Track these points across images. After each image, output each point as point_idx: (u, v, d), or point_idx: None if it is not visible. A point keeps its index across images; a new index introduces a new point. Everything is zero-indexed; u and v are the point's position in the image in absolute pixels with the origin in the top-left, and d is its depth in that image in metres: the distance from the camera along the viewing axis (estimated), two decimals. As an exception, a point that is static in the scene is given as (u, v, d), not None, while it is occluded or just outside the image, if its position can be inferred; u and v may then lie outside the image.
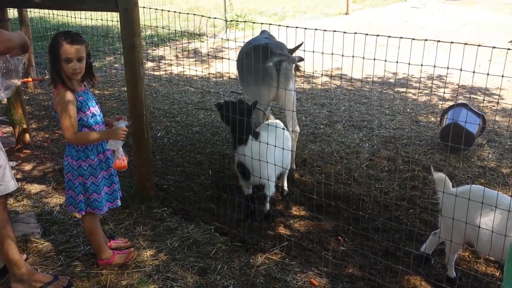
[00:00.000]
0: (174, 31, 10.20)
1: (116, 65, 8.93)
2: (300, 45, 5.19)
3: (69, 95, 2.77)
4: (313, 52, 3.53)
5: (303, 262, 3.32)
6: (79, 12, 6.89)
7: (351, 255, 3.46)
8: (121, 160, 2.89)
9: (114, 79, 8.05)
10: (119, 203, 3.16)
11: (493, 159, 4.97)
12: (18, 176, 4.46)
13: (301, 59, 5.79)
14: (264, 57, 4.31)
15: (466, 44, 2.53)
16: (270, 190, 3.85)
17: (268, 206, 3.92)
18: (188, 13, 5.95)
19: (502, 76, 2.50)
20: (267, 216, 3.87)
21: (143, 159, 3.89)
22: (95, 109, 2.95)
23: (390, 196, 4.21)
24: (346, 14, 14.62)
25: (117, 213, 3.80)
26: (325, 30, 3.16)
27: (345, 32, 3.04)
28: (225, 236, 3.60)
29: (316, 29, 3.43)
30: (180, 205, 4.02)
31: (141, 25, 3.64)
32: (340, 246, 3.55)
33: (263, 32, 5.39)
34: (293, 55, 4.97)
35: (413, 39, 2.71)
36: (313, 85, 7.70)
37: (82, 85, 2.94)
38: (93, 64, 3.02)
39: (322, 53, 3.10)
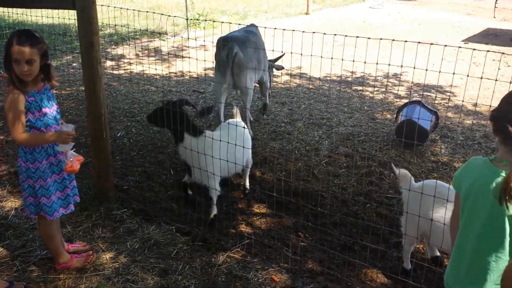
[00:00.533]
0: (134, 30, 10.07)
1: (74, 64, 8.73)
2: (283, 55, 5.51)
3: (17, 95, 2.70)
4: (273, 51, 3.59)
5: (264, 259, 3.37)
6: (35, 10, 6.70)
7: (311, 250, 3.53)
8: (71, 164, 2.83)
9: (73, 79, 7.87)
10: (72, 208, 3.08)
11: (446, 154, 5.17)
12: (-30, 180, 4.31)
13: (281, 68, 6.03)
14: (222, 48, 4.78)
15: (419, 43, 2.63)
16: (212, 193, 3.81)
17: (213, 210, 3.84)
18: (148, 11, 5.89)
19: (453, 73, 2.61)
20: (212, 223, 3.77)
21: (101, 160, 3.84)
22: (50, 110, 2.88)
23: (348, 192, 4.31)
24: (306, 14, 14.80)
25: (75, 216, 3.73)
26: (284, 30, 3.21)
27: (303, 32, 3.11)
28: (186, 236, 3.60)
29: (275, 28, 3.49)
30: (140, 206, 3.98)
31: (100, 24, 3.60)
32: (300, 242, 3.62)
33: (251, 25, 5.69)
34: (277, 63, 5.27)
35: (369, 38, 2.80)
36: (274, 83, 7.77)
37: (41, 84, 2.85)
38: (51, 64, 2.93)
39: (282, 52, 3.14)
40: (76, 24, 3.61)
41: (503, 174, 1.80)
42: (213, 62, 5.52)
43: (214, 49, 5.33)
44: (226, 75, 4.90)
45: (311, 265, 3.34)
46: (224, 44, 4.93)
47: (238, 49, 4.90)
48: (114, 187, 4.08)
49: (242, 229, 3.79)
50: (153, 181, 4.46)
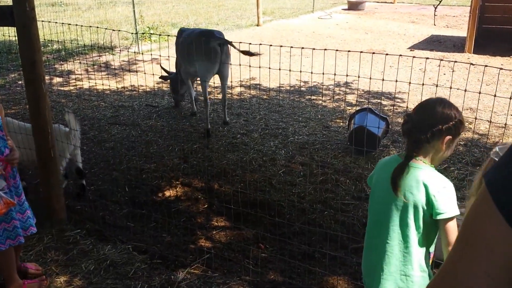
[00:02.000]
0: (82, 45, 9.82)
1: (20, 81, 8.38)
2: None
3: None
4: (230, 64, 3.58)
5: (225, 273, 3.33)
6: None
7: (272, 261, 3.52)
8: None
9: (18, 97, 7.56)
10: (21, 240, 2.92)
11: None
12: None
13: None
14: (209, 39, 5.77)
15: (361, 52, 2.70)
16: None
17: None
18: (94, 26, 5.76)
19: (396, 81, 2.70)
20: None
21: (50, 181, 3.69)
22: None
23: (306, 200, 4.35)
24: (257, 25, 14.95)
25: (26, 239, 3.54)
26: (240, 43, 3.23)
27: (250, 44, 3.12)
28: (144, 254, 3.51)
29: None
30: (94, 226, 3.85)
31: (46, 39, 3.48)
32: (260, 253, 3.60)
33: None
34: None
35: (313, 49, 2.85)
36: (228, 95, 7.77)
37: None
38: None
39: (240, 65, 3.14)
40: (18, 41, 3.48)
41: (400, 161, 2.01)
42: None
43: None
44: (217, 62, 5.84)
45: (273, 276, 3.33)
46: (207, 35, 5.88)
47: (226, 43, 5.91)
48: (66, 207, 3.93)
49: (202, 243, 3.73)
50: (107, 200, 4.33)
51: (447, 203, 1.91)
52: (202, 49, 5.79)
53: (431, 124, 1.93)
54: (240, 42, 3.15)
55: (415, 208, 1.94)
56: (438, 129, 1.92)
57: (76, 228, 3.77)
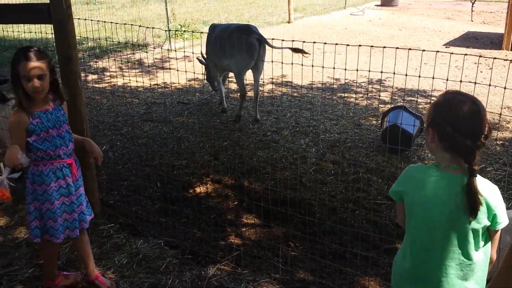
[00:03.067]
0: (117, 42, 10.01)
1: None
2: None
3: (19, 117, 2.64)
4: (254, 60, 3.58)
5: (255, 270, 3.33)
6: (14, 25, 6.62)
7: (302, 260, 3.50)
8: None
9: (54, 93, 7.77)
10: (77, 233, 2.93)
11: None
12: (-50, 200, 4.20)
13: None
14: (248, 34, 5.93)
15: (397, 48, 2.64)
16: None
17: None
18: (128, 24, 5.86)
19: (433, 78, 2.63)
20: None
21: (86, 175, 3.76)
22: (58, 131, 2.78)
23: (337, 199, 4.31)
24: (288, 22, 14.89)
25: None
26: (272, 39, 3.21)
27: (283, 40, 3.10)
28: (175, 249, 3.55)
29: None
30: (127, 220, 3.92)
31: (81, 37, 3.55)
32: (290, 251, 3.59)
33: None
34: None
35: (347, 45, 2.80)
36: (260, 92, 7.77)
37: (48, 104, 2.76)
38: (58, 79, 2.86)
39: (272, 61, 3.13)
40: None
41: (458, 178, 1.79)
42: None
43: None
44: (254, 57, 6.02)
45: (303, 275, 3.31)
46: (246, 30, 6.03)
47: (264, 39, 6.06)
48: (100, 202, 4.01)
49: (232, 240, 3.75)
50: (140, 195, 4.40)
51: (504, 211, 1.77)
52: (241, 43, 5.91)
53: (481, 128, 1.75)
54: (273, 39, 3.13)
55: (479, 224, 1.78)
56: (486, 134, 1.75)
57: (110, 222, 3.84)
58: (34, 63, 2.58)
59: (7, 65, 9.38)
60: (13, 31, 7.65)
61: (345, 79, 8.10)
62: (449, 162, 1.83)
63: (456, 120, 1.77)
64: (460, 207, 1.77)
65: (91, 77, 8.87)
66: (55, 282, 3.05)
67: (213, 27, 6.68)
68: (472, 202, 1.74)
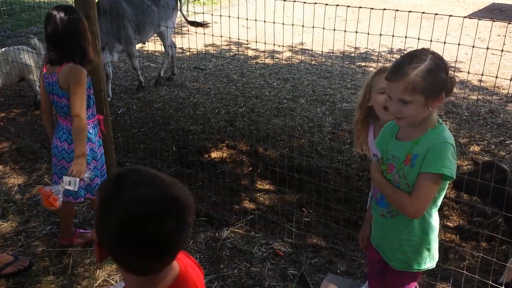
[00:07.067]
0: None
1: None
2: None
3: (83, 71, 2.68)
4: (273, 23, 3.51)
5: (268, 234, 3.37)
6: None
7: (315, 225, 3.52)
8: (55, 198, 2.63)
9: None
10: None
11: (451, 130, 5.10)
12: (-29, 157, 4.29)
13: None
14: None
15: (423, 13, 2.56)
16: None
17: None
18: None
19: (458, 44, 2.55)
20: None
21: (103, 137, 3.79)
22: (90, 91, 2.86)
23: (352, 168, 4.29)
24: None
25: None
26: (285, 0, 3.14)
27: (304, 2, 3.03)
28: (190, 211, 3.59)
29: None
30: (143, 182, 3.96)
31: (97, -2, 3.51)
32: (304, 217, 3.61)
33: None
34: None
35: (372, 8, 2.73)
36: (277, 60, 7.68)
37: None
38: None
39: (283, 24, 3.07)
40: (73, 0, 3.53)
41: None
42: (212, 35, 5.52)
43: (214, 25, 5.28)
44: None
45: (315, 240, 3.34)
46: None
47: None
48: (116, 163, 4.05)
49: (246, 205, 3.78)
50: (156, 158, 4.43)
51: None
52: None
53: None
54: (304, 2, 3.03)
55: None
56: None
57: (126, 184, 3.89)
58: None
59: (25, 26, 9.39)
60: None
61: (366, 48, 7.94)
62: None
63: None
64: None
65: (108, 40, 8.83)
66: (72, 239, 3.12)
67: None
68: None
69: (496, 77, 2.92)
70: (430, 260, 1.96)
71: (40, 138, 4.79)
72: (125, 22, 5.69)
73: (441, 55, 1.75)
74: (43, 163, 4.23)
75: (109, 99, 6.16)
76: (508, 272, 2.74)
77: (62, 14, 2.62)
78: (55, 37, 2.65)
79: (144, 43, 6.74)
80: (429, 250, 1.93)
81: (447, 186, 1.87)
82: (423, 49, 1.75)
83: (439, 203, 1.91)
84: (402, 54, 1.77)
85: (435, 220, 1.93)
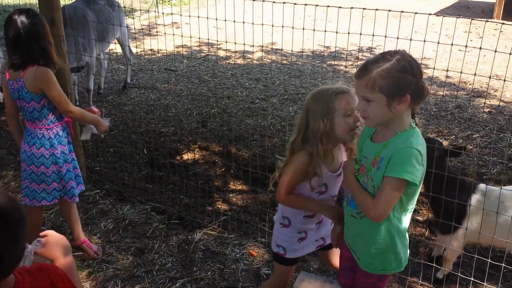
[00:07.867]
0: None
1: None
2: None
3: (51, 71, 2.66)
4: (243, 23, 3.50)
5: (241, 234, 3.35)
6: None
7: (288, 224, 3.51)
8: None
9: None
10: (83, 187, 3.08)
11: (420, 125, 5.21)
12: None
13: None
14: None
15: (389, 11, 2.59)
16: None
17: None
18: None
19: (424, 41, 2.59)
20: None
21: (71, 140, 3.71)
22: None
23: (325, 166, 4.30)
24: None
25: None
26: (254, 0, 3.12)
27: (274, 2, 3.03)
28: (162, 214, 3.55)
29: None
30: (113, 187, 3.90)
31: (66, 2, 3.44)
32: (277, 216, 3.60)
33: None
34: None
35: (340, 7, 2.75)
36: (248, 60, 7.67)
37: None
38: None
39: (253, 24, 3.07)
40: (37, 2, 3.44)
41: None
42: (181, 36, 5.45)
43: (185, 26, 5.22)
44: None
45: (289, 239, 3.33)
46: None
47: None
48: (86, 168, 3.97)
49: (219, 206, 3.75)
50: (126, 162, 4.36)
51: None
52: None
53: None
54: (273, 2, 3.02)
55: None
56: None
57: (96, 188, 3.82)
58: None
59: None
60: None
61: (336, 46, 8.01)
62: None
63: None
64: None
65: (76, 43, 8.65)
66: (87, 243, 3.08)
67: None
68: None
69: (461, 72, 2.97)
70: (397, 264, 1.92)
71: (6, 144, 4.66)
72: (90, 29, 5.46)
73: (413, 58, 1.72)
74: (9, 170, 4.12)
75: (101, 92, 6.17)
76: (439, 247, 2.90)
77: (22, 17, 2.57)
78: (17, 41, 2.59)
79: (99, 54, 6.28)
80: (395, 254, 1.89)
81: (418, 191, 1.83)
82: (395, 50, 1.74)
83: (410, 208, 1.86)
84: (372, 53, 1.78)
85: (404, 224, 1.88)
